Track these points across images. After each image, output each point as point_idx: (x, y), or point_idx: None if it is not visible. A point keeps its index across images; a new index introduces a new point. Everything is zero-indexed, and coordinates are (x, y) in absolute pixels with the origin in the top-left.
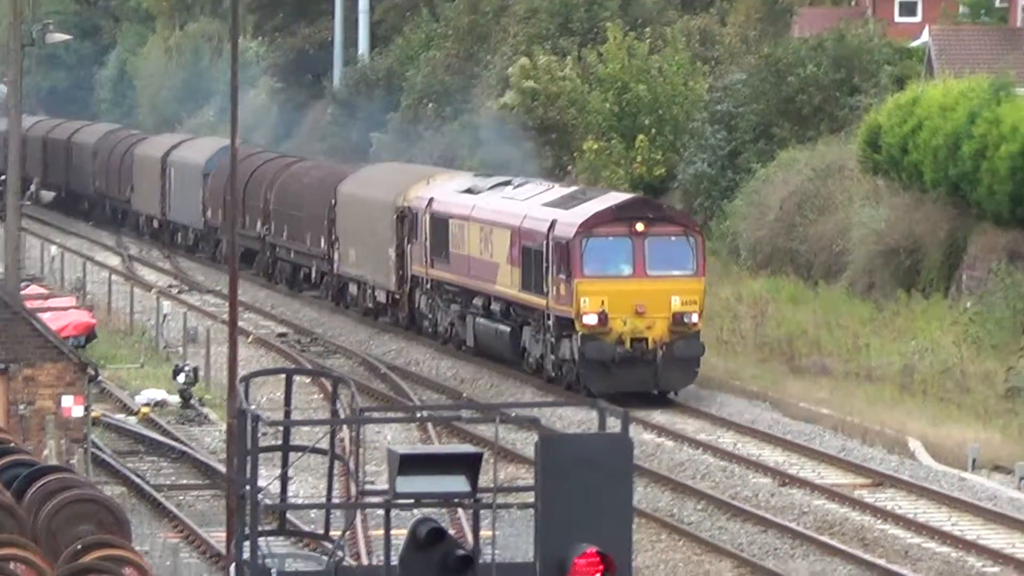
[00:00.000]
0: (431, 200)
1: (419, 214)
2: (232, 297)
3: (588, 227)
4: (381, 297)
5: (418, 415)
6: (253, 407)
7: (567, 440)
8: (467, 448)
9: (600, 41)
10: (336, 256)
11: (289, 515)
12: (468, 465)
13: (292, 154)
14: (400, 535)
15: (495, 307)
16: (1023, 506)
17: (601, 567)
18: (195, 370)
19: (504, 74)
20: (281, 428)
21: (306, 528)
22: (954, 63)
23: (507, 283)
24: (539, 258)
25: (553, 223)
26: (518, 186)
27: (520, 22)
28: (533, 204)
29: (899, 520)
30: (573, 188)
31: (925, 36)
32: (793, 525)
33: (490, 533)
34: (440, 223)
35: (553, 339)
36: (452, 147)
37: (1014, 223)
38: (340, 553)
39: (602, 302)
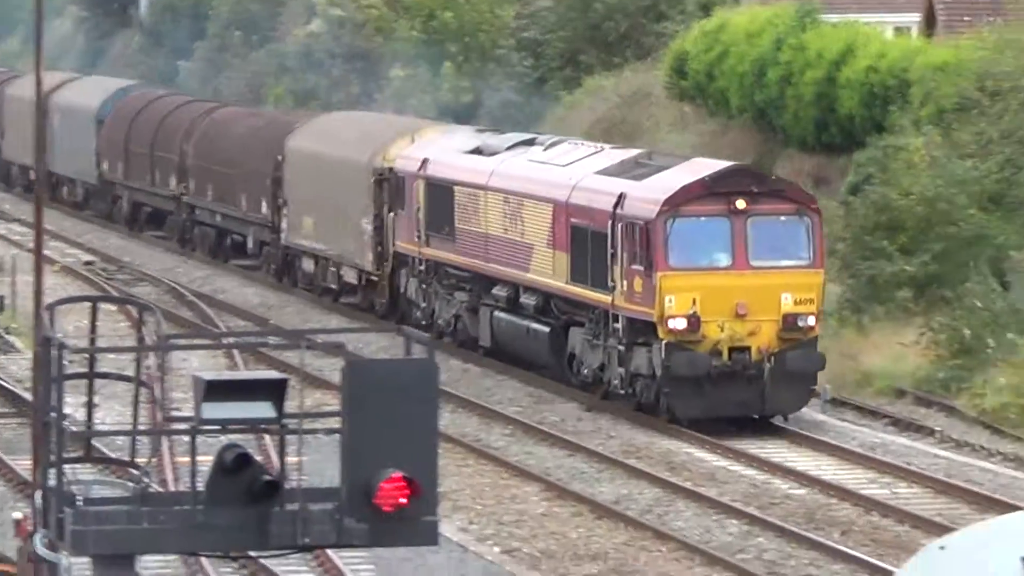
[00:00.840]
0: (425, 161)
1: (407, 179)
2: (38, 225)
3: (675, 204)
4: (350, 277)
5: (224, 342)
6: (59, 335)
7: (373, 366)
8: (273, 374)
9: None
10: (284, 224)
11: (95, 442)
12: (274, 391)
13: (210, 98)
14: (207, 461)
15: (527, 300)
16: (831, 429)
17: (407, 491)
18: (0, 299)
19: (311, 2)
20: (87, 356)
21: (112, 455)
22: None
23: (547, 271)
24: (600, 242)
25: (621, 198)
26: (550, 146)
27: None
28: (583, 171)
29: (705, 444)
30: (634, 151)
31: None
32: (600, 449)
33: (296, 459)
34: (441, 191)
35: (623, 347)
36: (259, 75)
37: (819, 148)
38: (146, 480)
39: (693, 301)
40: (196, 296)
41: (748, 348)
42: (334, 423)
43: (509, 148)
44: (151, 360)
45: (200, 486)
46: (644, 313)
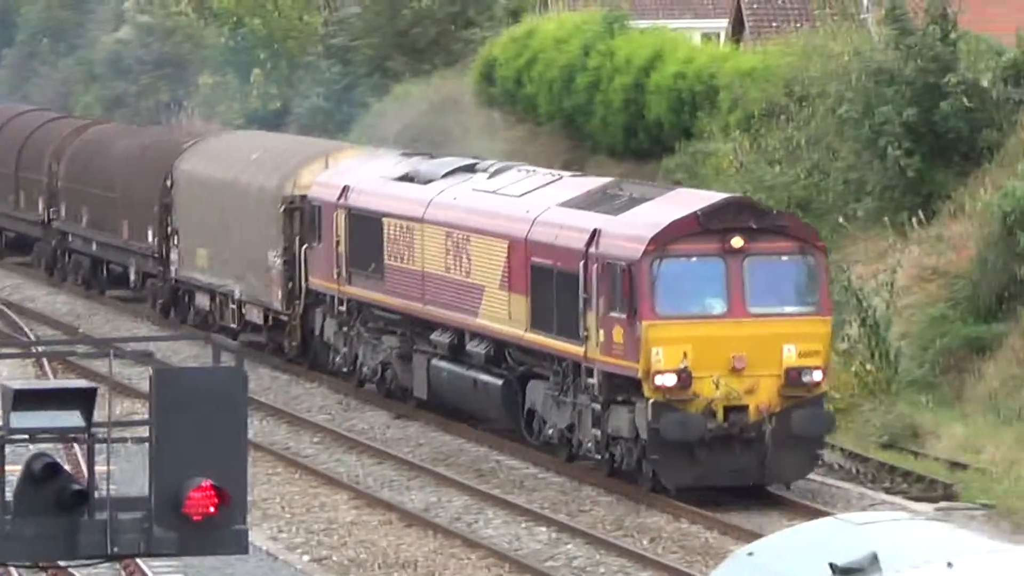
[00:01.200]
0: (346, 189)
1: (324, 208)
2: None
3: (662, 243)
4: (254, 316)
5: (33, 350)
6: None
7: (181, 374)
8: (81, 383)
9: None
10: (174, 256)
11: None
12: (83, 400)
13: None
14: (15, 471)
15: (475, 348)
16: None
17: (216, 499)
18: None
19: (120, 9)
20: None
21: None
22: None
23: (501, 316)
24: (568, 285)
25: (596, 235)
26: (495, 173)
27: None
28: (542, 203)
29: (515, 451)
30: (600, 180)
31: None
32: (409, 457)
33: (105, 468)
34: (366, 224)
35: (598, 406)
36: (68, 83)
37: (628, 154)
38: None
39: (684, 354)
40: (5, 304)
41: (746, 407)
42: (142, 431)
43: (447, 175)
44: None
45: (8, 496)
46: (626, 367)
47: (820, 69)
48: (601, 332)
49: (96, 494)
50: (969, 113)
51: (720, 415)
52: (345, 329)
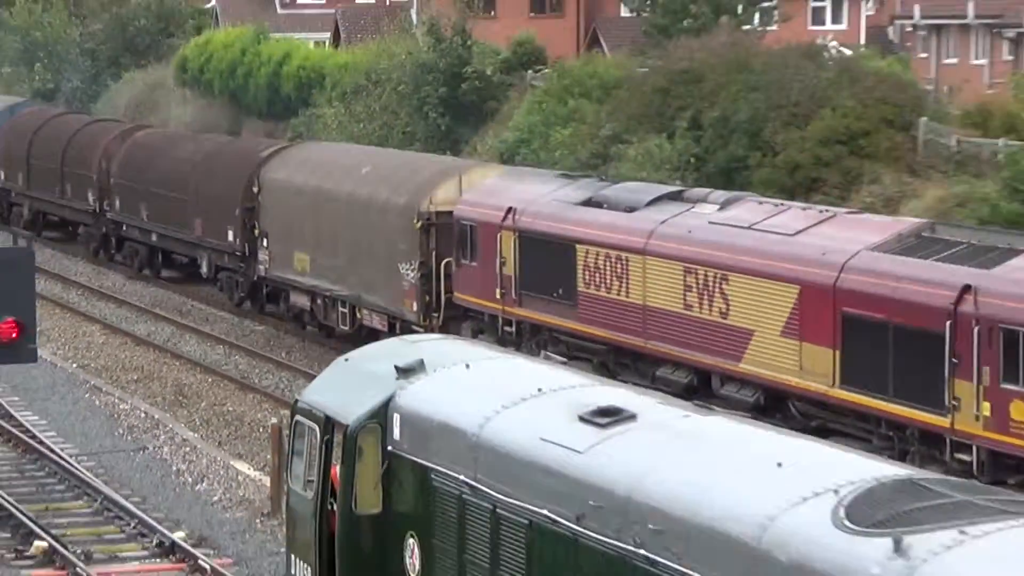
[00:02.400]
0: (512, 211)
1: (479, 228)
2: None
3: None
4: (375, 323)
5: None
6: None
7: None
8: None
9: None
10: (264, 256)
11: None
12: None
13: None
14: None
15: (735, 393)
16: None
17: (16, 329)
18: None
19: None
20: None
21: None
22: (232, 18)
23: (786, 367)
24: (919, 345)
25: (967, 291)
26: (727, 204)
27: None
28: (840, 245)
29: (201, 297)
30: (904, 220)
31: (212, 2)
32: (136, 302)
33: None
34: (546, 247)
35: None
36: None
37: (271, 117)
38: None
39: None
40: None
41: None
42: None
43: (652, 203)
44: None
45: None
46: None
47: (387, 63)
48: (986, 405)
49: None
50: (480, 91)
51: None
52: (510, 348)
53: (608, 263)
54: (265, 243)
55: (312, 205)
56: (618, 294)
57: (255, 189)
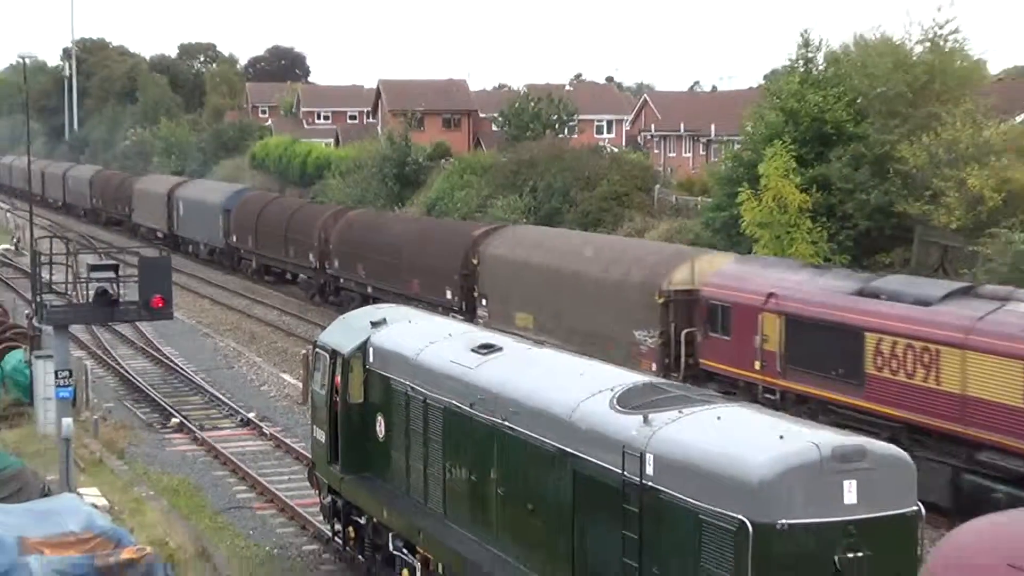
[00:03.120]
0: (773, 296)
1: (734, 308)
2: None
3: None
4: None
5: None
6: None
7: (146, 258)
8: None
9: None
10: (483, 313)
11: None
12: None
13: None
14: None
15: None
16: None
17: (162, 302)
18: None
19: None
20: None
21: None
22: (279, 131)
23: None
24: None
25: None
26: None
27: None
28: None
29: None
30: None
31: (269, 121)
32: None
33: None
34: (820, 331)
35: None
36: (124, 156)
37: (300, 185)
38: None
39: None
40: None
41: None
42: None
43: (946, 297)
44: None
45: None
46: None
47: (364, 155)
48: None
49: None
50: (415, 171)
51: None
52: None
53: (910, 352)
54: (484, 302)
55: (537, 276)
56: (924, 381)
57: (474, 260)
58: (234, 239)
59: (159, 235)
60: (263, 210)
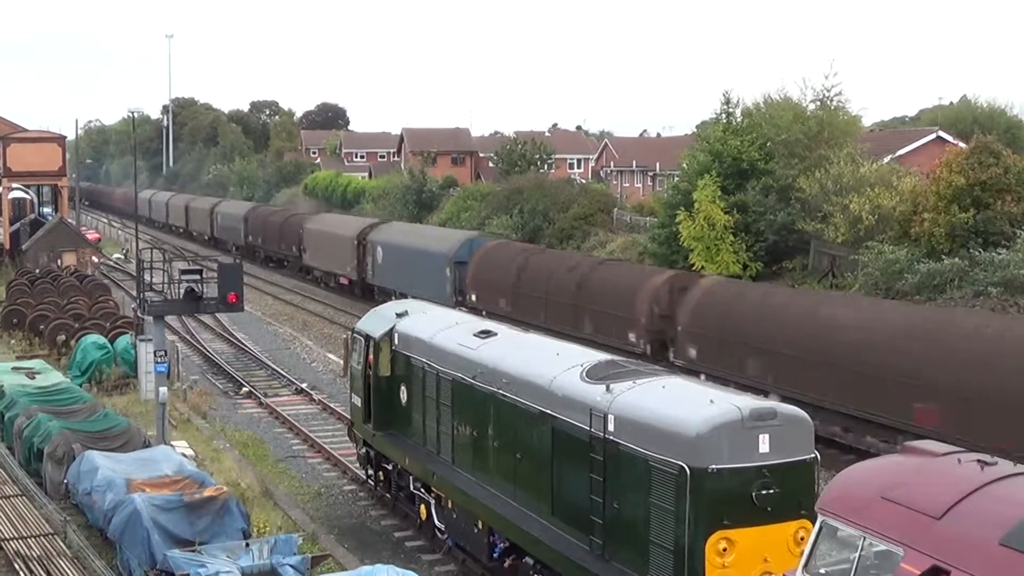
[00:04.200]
0: None
1: None
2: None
3: None
4: None
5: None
6: None
7: (221, 265)
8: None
9: None
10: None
11: None
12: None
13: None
14: None
15: None
16: None
17: (235, 297)
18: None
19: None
20: None
21: None
22: (326, 167)
23: None
24: None
25: None
26: None
27: None
28: None
29: None
30: None
31: (318, 160)
32: None
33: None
34: None
35: None
36: (213, 186)
37: (341, 208)
38: None
39: None
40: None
41: None
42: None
43: None
44: None
45: None
46: None
47: (391, 185)
48: None
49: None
50: (431, 198)
51: None
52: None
53: None
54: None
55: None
56: None
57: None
58: (473, 298)
59: (341, 281)
60: (529, 265)
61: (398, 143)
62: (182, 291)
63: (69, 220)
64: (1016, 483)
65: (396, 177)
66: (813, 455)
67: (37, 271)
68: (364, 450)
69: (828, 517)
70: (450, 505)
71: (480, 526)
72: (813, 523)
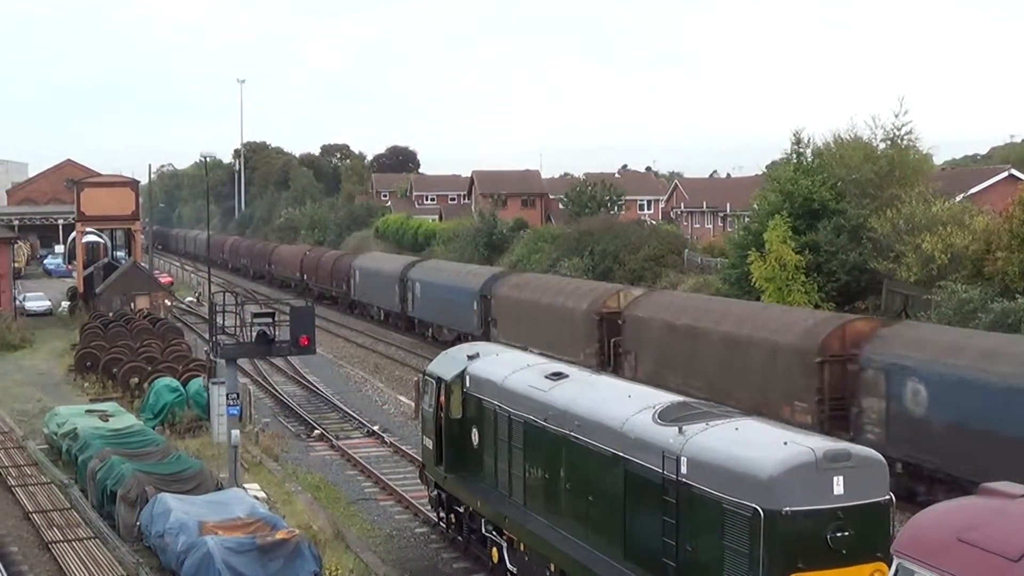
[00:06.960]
0: None
1: None
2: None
3: None
4: None
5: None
6: None
7: (294, 308)
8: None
9: None
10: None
11: None
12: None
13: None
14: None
15: None
16: None
17: (307, 341)
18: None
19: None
20: None
21: None
22: (397, 210)
23: None
24: None
25: None
26: None
27: None
28: None
29: None
30: None
31: (389, 203)
32: None
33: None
34: None
35: None
36: (284, 229)
37: (412, 251)
38: None
39: None
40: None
41: None
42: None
43: None
44: None
45: None
46: None
47: (462, 227)
48: None
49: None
50: (501, 239)
51: None
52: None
53: None
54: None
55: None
56: None
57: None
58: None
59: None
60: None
61: (468, 185)
62: (254, 334)
63: (142, 264)
64: None
65: (467, 220)
66: (888, 496)
67: (111, 314)
68: (436, 492)
69: (904, 560)
70: (522, 548)
71: (552, 569)
72: (889, 566)
